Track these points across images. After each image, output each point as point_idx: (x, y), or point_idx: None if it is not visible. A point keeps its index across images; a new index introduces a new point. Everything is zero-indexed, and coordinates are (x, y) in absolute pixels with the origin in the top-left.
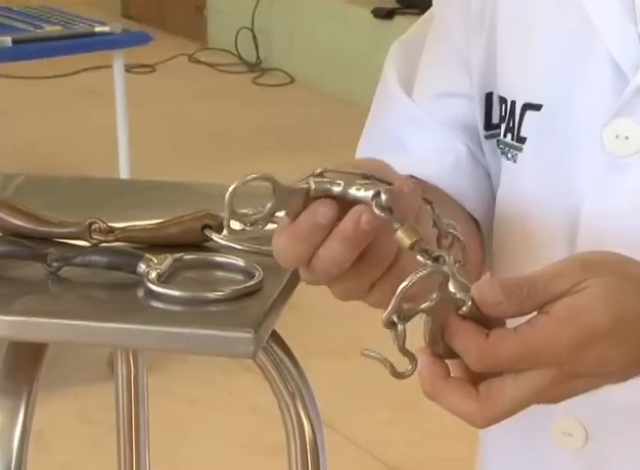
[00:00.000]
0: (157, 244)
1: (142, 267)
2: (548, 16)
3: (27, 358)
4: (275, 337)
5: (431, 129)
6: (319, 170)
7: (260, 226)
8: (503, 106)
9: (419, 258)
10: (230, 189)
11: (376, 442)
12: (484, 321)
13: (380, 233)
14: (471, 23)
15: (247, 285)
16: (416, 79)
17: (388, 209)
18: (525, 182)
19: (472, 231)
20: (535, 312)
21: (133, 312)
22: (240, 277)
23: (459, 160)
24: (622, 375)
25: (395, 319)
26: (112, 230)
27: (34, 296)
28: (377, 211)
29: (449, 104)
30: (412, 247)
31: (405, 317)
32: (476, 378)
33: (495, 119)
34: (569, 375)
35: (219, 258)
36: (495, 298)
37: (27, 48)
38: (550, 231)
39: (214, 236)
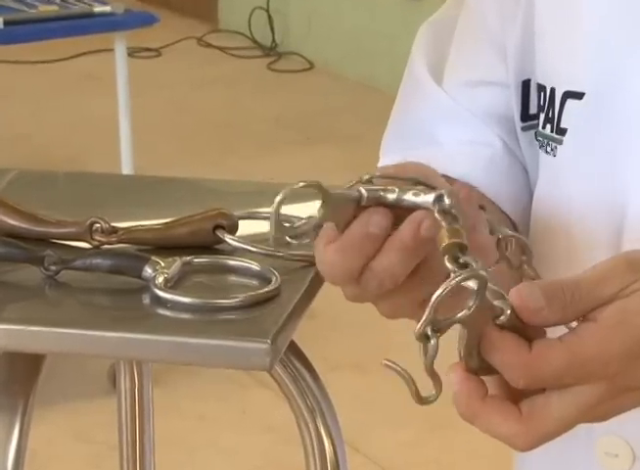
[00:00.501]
0: (164, 246)
1: (148, 271)
2: None
3: (23, 370)
4: (293, 348)
5: (463, 121)
6: (367, 176)
7: (307, 240)
8: (542, 94)
9: (447, 263)
10: (277, 199)
11: (401, 463)
12: (523, 332)
13: (435, 245)
14: (505, 5)
15: (262, 291)
16: (446, 66)
17: (450, 214)
18: (566, 178)
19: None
20: (577, 321)
21: (138, 321)
22: (255, 282)
23: (494, 156)
24: None
25: (429, 332)
26: (115, 231)
27: (30, 302)
28: (438, 216)
29: (483, 93)
30: (446, 250)
31: (440, 329)
32: (515, 395)
33: (533, 110)
34: (619, 389)
35: (232, 262)
36: (536, 303)
37: (20, 30)
38: (593, 232)
39: (227, 237)
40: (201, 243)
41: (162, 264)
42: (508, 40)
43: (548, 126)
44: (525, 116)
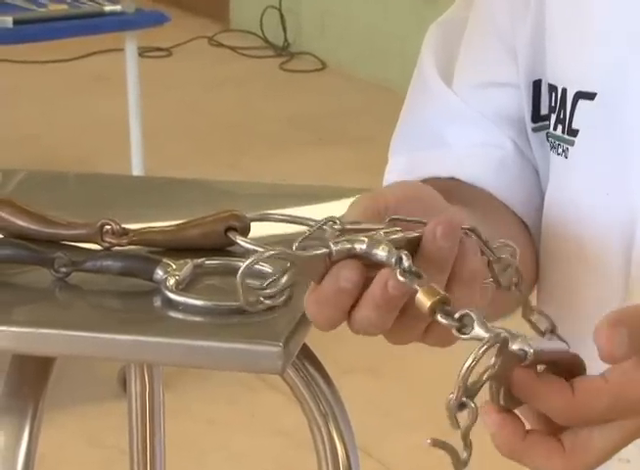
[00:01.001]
0: (175, 248)
1: (159, 274)
2: None
3: (33, 373)
4: (305, 351)
5: (473, 123)
6: (337, 225)
7: (279, 300)
8: (553, 95)
9: (441, 320)
10: (241, 269)
11: (413, 468)
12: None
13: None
14: (516, 4)
15: None
16: (456, 67)
17: (413, 273)
18: (577, 179)
19: (524, 237)
20: None
21: (149, 323)
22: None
23: (505, 158)
24: None
25: (465, 400)
26: (125, 232)
27: (40, 304)
28: (400, 277)
29: (493, 94)
30: (432, 311)
31: (472, 395)
32: (553, 426)
33: (544, 110)
34: None
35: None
36: (624, 353)
37: (29, 29)
38: (604, 233)
39: (239, 239)
40: (212, 245)
41: (174, 267)
42: (518, 40)
43: (559, 127)
44: (536, 116)
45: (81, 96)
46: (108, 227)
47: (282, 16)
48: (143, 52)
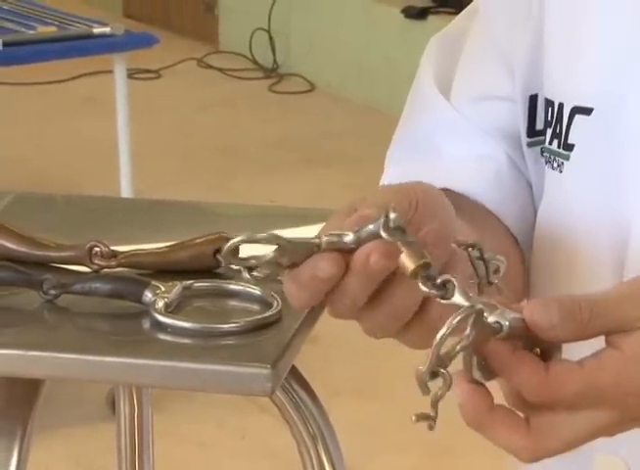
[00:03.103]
0: (164, 270)
1: (148, 296)
2: (602, 8)
3: (21, 396)
4: (294, 373)
5: (470, 135)
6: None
7: (261, 274)
8: (549, 109)
9: (422, 287)
10: (232, 242)
11: None
12: (535, 340)
13: (396, 284)
14: (515, 16)
15: (263, 316)
16: (454, 80)
17: (398, 229)
18: (572, 194)
19: (514, 252)
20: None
21: (138, 345)
22: (256, 307)
23: (499, 171)
24: None
25: (437, 369)
26: (114, 255)
27: (29, 326)
28: (386, 235)
29: (490, 108)
30: (414, 274)
31: (444, 365)
32: (525, 407)
33: (540, 125)
34: (631, 418)
35: (233, 286)
36: (549, 320)
37: (19, 51)
38: (597, 248)
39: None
40: (201, 267)
41: (163, 289)
42: (516, 55)
43: (555, 142)
44: (532, 131)
45: (70, 118)
46: (96, 249)
47: (271, 37)
48: (132, 74)
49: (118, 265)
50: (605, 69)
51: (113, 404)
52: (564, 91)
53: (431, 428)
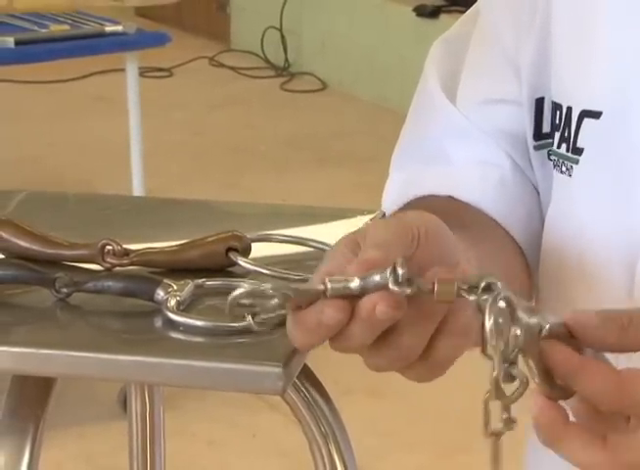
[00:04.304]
0: (176, 268)
1: (160, 294)
2: (611, 11)
3: (33, 394)
4: (306, 372)
5: (475, 140)
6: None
7: (266, 320)
8: (557, 113)
9: (470, 298)
10: (234, 294)
11: None
12: (573, 347)
13: (403, 328)
14: (520, 19)
15: (275, 314)
16: (459, 83)
17: (406, 282)
18: (581, 198)
19: (519, 261)
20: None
21: (150, 344)
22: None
23: (503, 178)
24: None
25: (514, 372)
26: (127, 253)
27: (41, 325)
28: (394, 288)
29: (496, 111)
30: (457, 293)
31: (512, 362)
32: (596, 421)
33: (546, 128)
34: None
35: (245, 285)
36: (590, 320)
37: (31, 50)
38: (607, 252)
39: (240, 260)
40: (213, 265)
41: (175, 287)
42: (522, 58)
43: (564, 146)
44: (539, 134)
45: (82, 116)
46: (109, 248)
47: (282, 36)
48: (144, 72)
49: (131, 264)
50: (614, 72)
51: (124, 403)
52: (572, 95)
53: (510, 429)
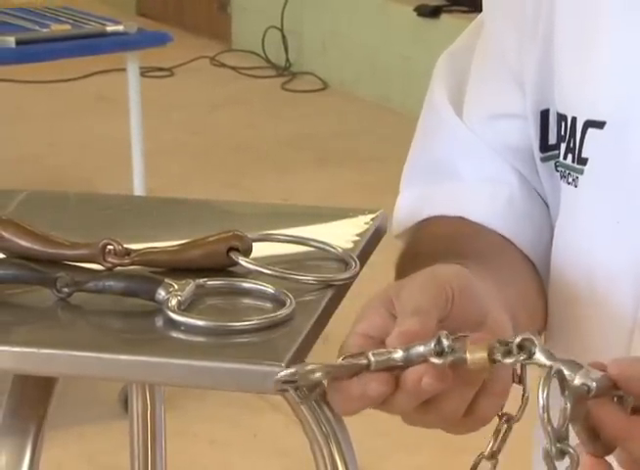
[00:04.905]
0: (177, 268)
1: (161, 294)
2: (613, 21)
3: (34, 394)
4: None
5: (481, 156)
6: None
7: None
8: (562, 124)
9: (508, 361)
10: (280, 375)
11: None
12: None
13: (446, 395)
14: (524, 30)
15: (277, 314)
16: (465, 98)
17: (450, 352)
18: (587, 208)
19: (531, 279)
20: None
21: (151, 343)
22: (269, 305)
23: (512, 196)
24: None
25: (567, 448)
26: (128, 253)
27: (42, 324)
28: (438, 361)
29: (501, 126)
30: (492, 361)
31: (564, 438)
32: None
33: (552, 140)
34: None
35: (246, 285)
36: (636, 372)
37: (32, 49)
38: (613, 262)
39: (241, 259)
40: (214, 265)
41: (176, 287)
42: (526, 70)
43: (569, 156)
44: (545, 146)
45: (83, 116)
46: (110, 247)
47: (283, 36)
48: (145, 72)
49: (132, 263)
50: (616, 83)
51: (125, 403)
52: (576, 105)
53: None
